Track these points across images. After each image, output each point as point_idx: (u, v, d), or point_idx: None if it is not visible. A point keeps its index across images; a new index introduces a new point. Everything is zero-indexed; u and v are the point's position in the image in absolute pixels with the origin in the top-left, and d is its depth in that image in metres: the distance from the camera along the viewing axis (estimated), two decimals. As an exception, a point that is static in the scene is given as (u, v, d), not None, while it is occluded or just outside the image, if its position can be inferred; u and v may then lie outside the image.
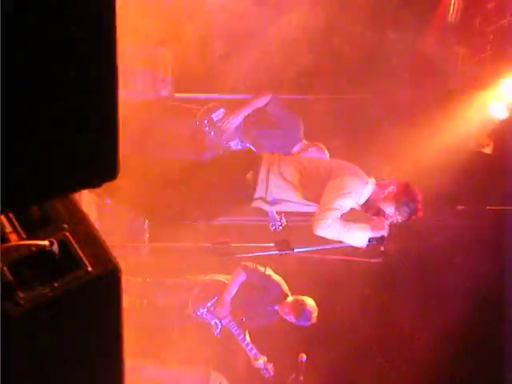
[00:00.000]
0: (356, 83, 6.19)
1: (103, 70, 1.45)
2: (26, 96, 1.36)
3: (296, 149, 5.33)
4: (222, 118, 5.23)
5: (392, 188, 4.21)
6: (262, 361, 5.56)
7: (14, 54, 1.30)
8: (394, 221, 4.23)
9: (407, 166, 5.55)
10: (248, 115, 5.25)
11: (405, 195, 4.18)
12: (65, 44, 1.38)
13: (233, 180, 4.48)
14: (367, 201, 4.28)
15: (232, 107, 5.35)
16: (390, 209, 4.18)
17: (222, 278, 5.61)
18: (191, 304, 5.56)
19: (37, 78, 1.36)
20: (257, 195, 4.46)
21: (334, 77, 6.06)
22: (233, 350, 5.78)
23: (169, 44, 5.85)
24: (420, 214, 4.22)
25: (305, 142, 5.37)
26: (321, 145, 5.34)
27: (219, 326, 5.52)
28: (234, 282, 5.44)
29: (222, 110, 5.27)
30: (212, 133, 5.29)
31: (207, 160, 5.18)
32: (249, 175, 4.45)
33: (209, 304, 5.52)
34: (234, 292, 5.45)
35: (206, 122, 5.27)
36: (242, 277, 5.41)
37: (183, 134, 5.36)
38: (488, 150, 6.26)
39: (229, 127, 5.22)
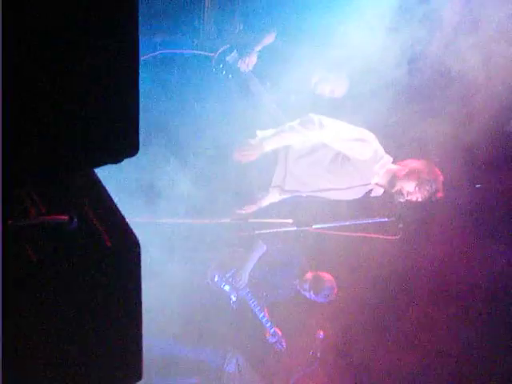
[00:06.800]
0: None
1: (124, 46, 1.43)
2: (46, 71, 1.35)
3: None
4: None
5: (414, 164, 4.15)
6: (276, 334, 5.56)
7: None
8: (414, 199, 4.16)
9: (422, 147, 5.48)
10: None
11: (427, 173, 4.11)
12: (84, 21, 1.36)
13: None
14: (391, 179, 4.20)
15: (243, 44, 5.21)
16: (411, 185, 4.11)
17: (242, 250, 5.59)
18: (209, 273, 5.56)
19: (54, 53, 1.35)
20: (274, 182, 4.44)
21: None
22: (249, 327, 5.79)
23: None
24: (440, 195, 4.15)
25: None
26: None
27: (236, 297, 5.53)
28: (253, 255, 5.43)
29: (235, 52, 5.08)
30: (230, 76, 5.17)
31: None
32: None
33: (227, 275, 5.51)
34: (253, 264, 5.44)
35: (221, 66, 5.12)
36: (262, 249, 5.39)
37: None
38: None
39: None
